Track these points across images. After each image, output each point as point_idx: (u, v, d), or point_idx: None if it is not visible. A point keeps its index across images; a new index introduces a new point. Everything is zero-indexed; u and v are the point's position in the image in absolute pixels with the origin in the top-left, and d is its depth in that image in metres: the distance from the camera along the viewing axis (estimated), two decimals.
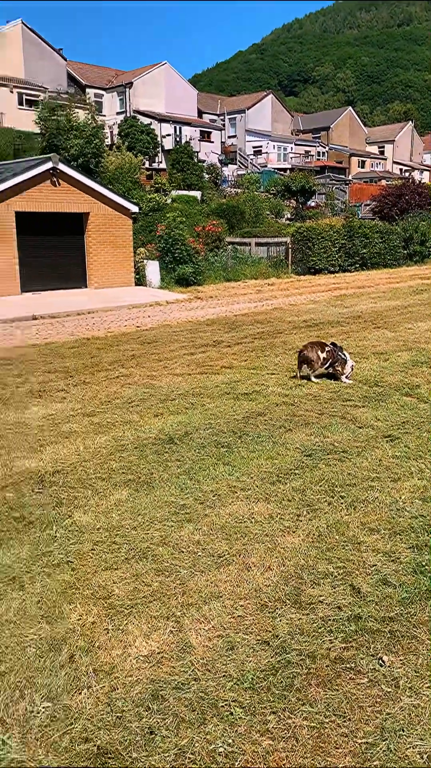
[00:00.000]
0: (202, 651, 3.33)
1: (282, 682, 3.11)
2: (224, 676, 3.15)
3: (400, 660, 3.26)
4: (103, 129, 27.88)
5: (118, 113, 45.23)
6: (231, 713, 2.91)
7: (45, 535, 4.58)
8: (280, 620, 3.58)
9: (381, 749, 2.72)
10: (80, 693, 3.05)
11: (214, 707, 2.95)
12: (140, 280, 21.14)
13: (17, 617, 3.62)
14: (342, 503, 5.03)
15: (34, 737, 2.80)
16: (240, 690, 3.05)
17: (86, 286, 20.15)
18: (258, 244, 26.12)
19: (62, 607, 3.72)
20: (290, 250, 25.85)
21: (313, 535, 4.54)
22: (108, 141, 31.23)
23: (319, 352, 8.72)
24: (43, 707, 2.96)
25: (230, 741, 2.75)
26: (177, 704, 2.96)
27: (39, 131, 29.02)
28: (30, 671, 3.19)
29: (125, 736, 2.78)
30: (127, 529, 4.66)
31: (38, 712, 2.93)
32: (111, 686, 3.09)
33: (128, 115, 43.10)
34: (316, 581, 3.96)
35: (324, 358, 8.73)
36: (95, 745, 2.73)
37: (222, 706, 2.95)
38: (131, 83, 45.62)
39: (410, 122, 76.56)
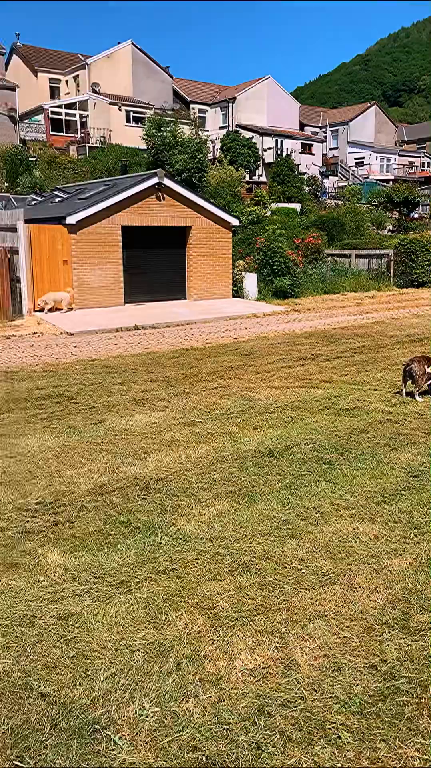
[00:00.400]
0: (308, 670, 3.29)
1: (391, 709, 3.02)
2: (331, 697, 3.10)
3: None
4: (206, 144, 28.45)
5: (220, 128, 46.02)
6: (340, 737, 2.85)
7: (150, 541, 4.69)
8: (388, 645, 3.48)
9: None
10: (187, 701, 3.09)
11: (322, 729, 2.90)
12: (238, 292, 21.33)
13: (125, 620, 3.73)
14: None
15: (143, 740, 2.86)
16: (348, 713, 2.99)
17: (185, 298, 20.56)
18: (358, 256, 25.74)
19: (168, 614, 3.79)
20: (392, 262, 25.28)
21: (421, 559, 4.39)
22: (210, 155, 31.85)
23: (425, 367, 8.46)
24: (152, 712, 3.02)
25: (339, 765, 2.70)
26: (284, 722, 2.94)
27: (145, 147, 30.00)
28: (139, 675, 3.27)
29: (233, 749, 2.79)
30: (230, 540, 4.69)
31: (147, 716, 2.99)
32: (217, 697, 3.11)
33: (230, 129, 43.75)
34: (425, 607, 3.82)
35: (429, 373, 8.45)
36: (204, 755, 2.75)
37: (329, 729, 2.90)
38: (234, 98, 46.31)
39: None
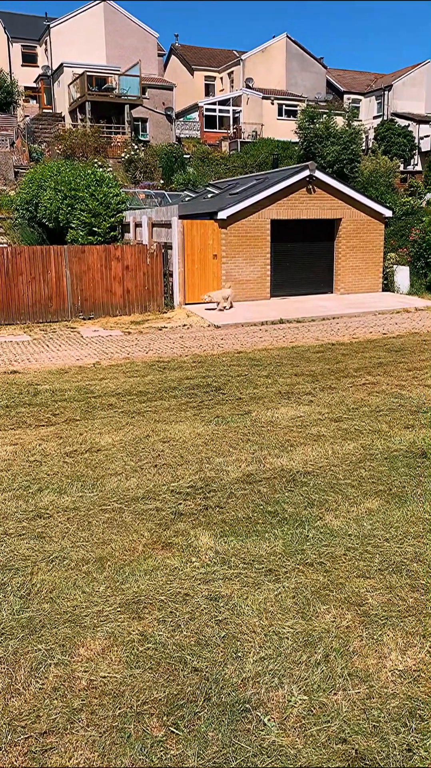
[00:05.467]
0: None
1: None
2: None
3: None
4: (360, 134, 27.80)
5: (374, 117, 44.75)
6: None
7: (298, 533, 4.74)
8: None
9: None
10: (336, 694, 3.11)
11: None
12: (388, 286, 20.69)
13: (274, 608, 3.81)
14: None
15: (291, 726, 2.92)
16: None
17: (332, 292, 20.29)
18: None
19: (316, 606, 3.81)
20: None
21: None
22: (363, 145, 31.10)
23: None
24: (300, 699, 3.08)
25: None
26: None
27: (297, 140, 29.90)
28: (287, 662, 3.34)
29: (383, 747, 2.77)
30: (379, 539, 4.62)
31: (296, 703, 3.05)
32: (366, 694, 3.10)
33: (385, 118, 42.38)
34: None
35: None
36: (353, 749, 2.76)
37: None
38: (390, 86, 44.77)
39: None
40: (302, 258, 19.71)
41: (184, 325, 15.55)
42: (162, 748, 2.81)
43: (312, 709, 3.01)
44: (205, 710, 3.02)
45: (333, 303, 18.57)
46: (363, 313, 17.03)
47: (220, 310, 16.94)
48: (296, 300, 19.02)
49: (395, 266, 20.72)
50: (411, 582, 4.04)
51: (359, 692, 3.11)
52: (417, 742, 2.79)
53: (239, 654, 3.41)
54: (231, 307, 17.24)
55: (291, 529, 4.81)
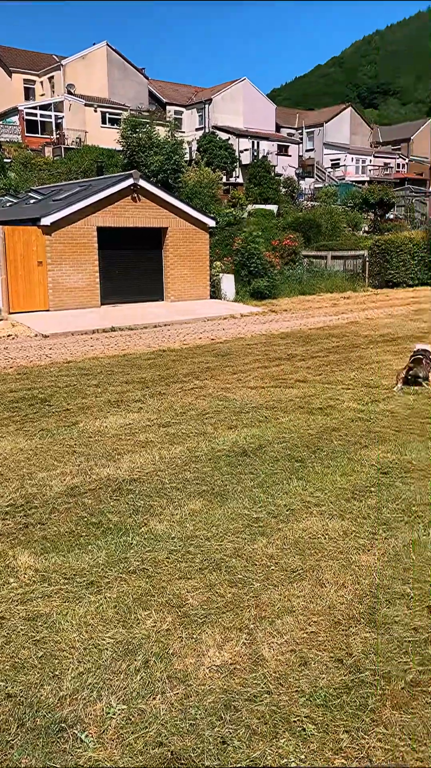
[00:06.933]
0: (275, 665, 3.34)
1: (355, 701, 3.07)
2: (297, 691, 3.14)
3: None
4: (182, 145, 28.42)
5: (197, 129, 46.06)
6: (304, 729, 2.90)
7: (121, 542, 4.71)
8: (354, 638, 3.54)
9: None
10: (154, 698, 3.11)
11: (287, 722, 2.95)
12: (215, 293, 21.38)
13: (95, 620, 3.74)
14: (419, 523, 4.92)
15: (109, 738, 2.88)
16: (313, 706, 3.04)
17: (163, 299, 20.55)
18: (334, 258, 25.93)
19: (137, 613, 3.81)
20: (367, 263, 25.50)
21: (389, 554, 4.46)
22: (187, 157, 31.86)
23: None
24: (119, 709, 3.04)
25: (302, 757, 2.75)
26: (249, 716, 2.98)
27: (121, 148, 29.91)
28: (107, 673, 3.29)
29: (198, 743, 2.82)
30: (201, 539, 4.72)
31: (114, 714, 3.01)
32: (184, 693, 3.14)
33: (207, 131, 43.82)
34: (392, 601, 3.89)
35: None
36: (169, 750, 2.78)
37: (294, 722, 2.94)
38: (210, 100, 46.39)
39: None
40: (132, 266, 19.75)
41: (9, 336, 14.88)
42: None
43: (131, 717, 2.99)
44: (19, 737, 2.88)
45: (164, 310, 18.79)
46: (193, 320, 17.42)
47: None
48: (127, 308, 19.00)
49: (221, 274, 21.46)
50: (230, 577, 4.17)
51: (177, 693, 3.14)
52: (230, 734, 2.87)
53: (57, 672, 3.30)
54: None
55: (115, 538, 4.77)
